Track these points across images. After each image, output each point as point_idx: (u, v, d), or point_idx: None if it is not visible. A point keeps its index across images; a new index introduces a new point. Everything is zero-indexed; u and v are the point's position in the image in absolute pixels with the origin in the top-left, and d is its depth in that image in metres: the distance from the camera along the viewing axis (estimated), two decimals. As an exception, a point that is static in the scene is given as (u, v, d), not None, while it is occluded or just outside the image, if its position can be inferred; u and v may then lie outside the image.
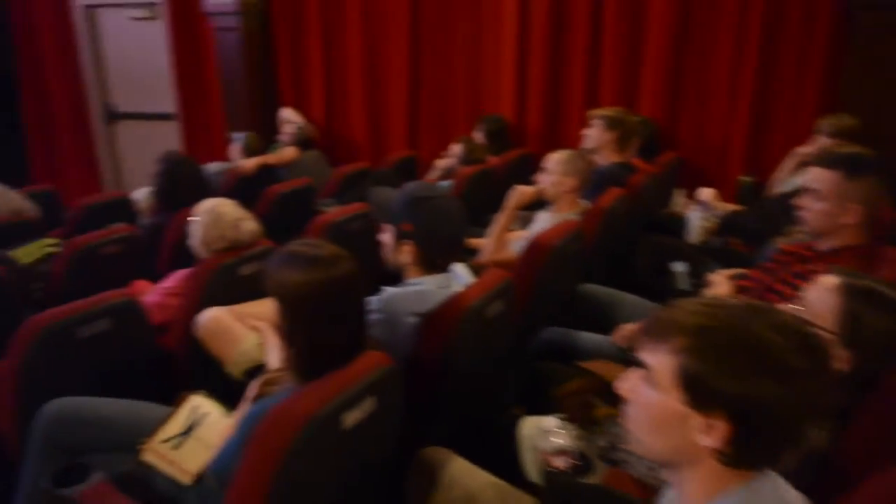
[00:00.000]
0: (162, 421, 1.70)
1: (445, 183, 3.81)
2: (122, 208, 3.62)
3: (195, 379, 2.04)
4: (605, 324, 2.27)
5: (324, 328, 1.41)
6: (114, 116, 6.02)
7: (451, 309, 1.69)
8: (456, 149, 4.03)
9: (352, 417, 1.31)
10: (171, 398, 1.80)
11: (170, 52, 5.48)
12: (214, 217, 2.24)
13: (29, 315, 2.48)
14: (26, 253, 2.89)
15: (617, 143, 3.30)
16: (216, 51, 5.24)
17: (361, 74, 4.97)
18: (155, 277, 2.85)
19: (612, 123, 3.27)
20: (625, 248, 2.86)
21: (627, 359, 1.87)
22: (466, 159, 3.92)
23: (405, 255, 1.82)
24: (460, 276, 1.87)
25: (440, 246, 1.83)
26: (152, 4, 5.55)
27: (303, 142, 4.79)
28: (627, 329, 2.01)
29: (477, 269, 2.01)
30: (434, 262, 1.83)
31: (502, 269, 1.96)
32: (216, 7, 5.07)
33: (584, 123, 3.50)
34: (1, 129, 5.93)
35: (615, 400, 1.67)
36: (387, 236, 1.88)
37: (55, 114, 5.99)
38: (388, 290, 1.79)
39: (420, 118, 4.88)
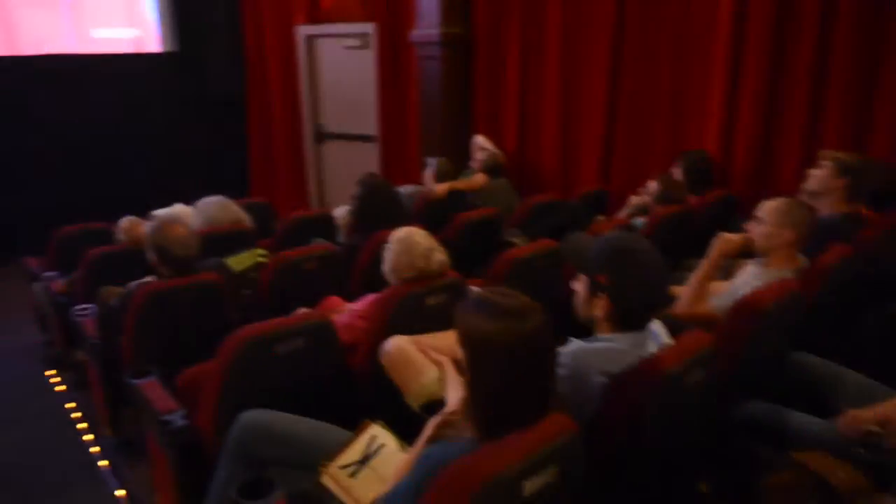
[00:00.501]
0: (342, 445, 1.74)
1: (638, 221, 3.61)
2: (324, 224, 3.86)
3: (376, 403, 2.08)
4: (822, 403, 1.97)
5: (508, 382, 1.34)
6: (322, 137, 6.53)
7: (644, 373, 1.55)
8: (652, 186, 3.80)
9: (532, 485, 1.22)
10: (353, 419, 1.84)
11: (376, 78, 5.83)
12: (406, 246, 2.28)
13: (237, 317, 2.73)
14: (239, 261, 3.16)
15: (846, 191, 2.90)
16: (418, 78, 5.48)
17: (556, 104, 4.91)
18: (347, 294, 2.99)
19: (844, 169, 2.88)
20: (850, 315, 2.48)
21: (855, 455, 1.59)
22: (663, 198, 3.68)
23: (598, 308, 1.71)
24: (657, 335, 1.72)
25: (638, 304, 1.69)
26: (364, 35, 5.95)
27: (493, 169, 4.82)
28: (856, 416, 1.71)
29: (673, 321, 1.84)
30: (629, 320, 1.69)
31: (704, 331, 1.77)
32: (422, 38, 5.30)
33: (801, 164, 3.12)
34: (230, 144, 6.70)
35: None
36: (580, 286, 1.78)
37: (274, 132, 6.64)
38: (577, 344, 1.68)
39: (614, 151, 4.70)
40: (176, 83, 6.38)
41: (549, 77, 4.91)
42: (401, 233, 2.33)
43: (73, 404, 3.40)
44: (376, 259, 2.64)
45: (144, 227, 3.50)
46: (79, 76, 5.83)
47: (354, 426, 1.80)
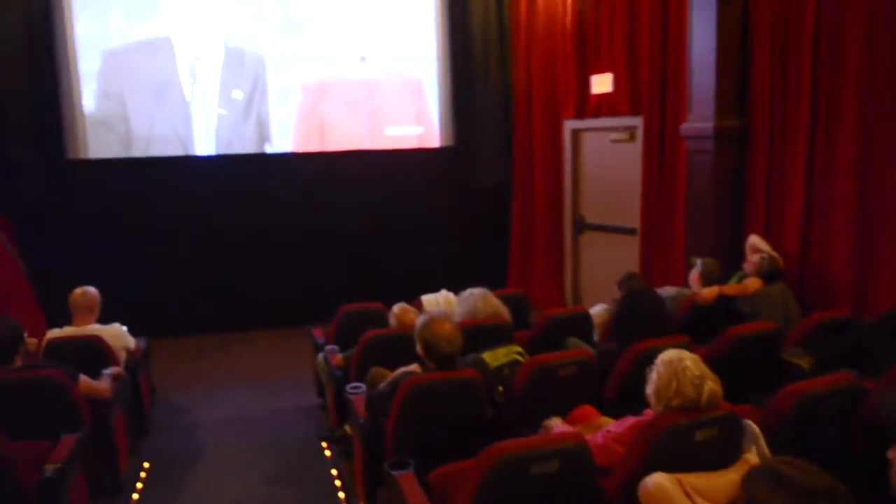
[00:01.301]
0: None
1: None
2: (580, 323, 3.80)
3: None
4: None
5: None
6: (582, 227, 6.55)
7: None
8: None
9: None
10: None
11: (641, 170, 5.73)
12: (675, 371, 2.11)
13: (490, 414, 2.76)
14: (496, 356, 3.22)
15: None
16: (686, 172, 5.26)
17: (851, 204, 4.31)
18: (601, 405, 2.87)
19: None
20: None
21: None
22: None
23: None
24: None
25: None
26: (631, 128, 5.92)
27: (769, 273, 4.35)
28: None
29: None
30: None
31: None
32: (692, 131, 5.10)
33: None
34: (493, 233, 7.06)
35: None
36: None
37: (535, 221, 6.83)
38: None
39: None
40: (449, 174, 6.95)
41: (842, 173, 4.35)
42: (669, 355, 2.17)
43: (335, 472, 3.70)
44: (635, 371, 2.49)
45: (414, 314, 3.79)
46: (368, 168, 6.65)
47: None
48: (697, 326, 3.77)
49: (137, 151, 6.13)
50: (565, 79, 6.43)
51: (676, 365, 2.12)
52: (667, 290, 4.36)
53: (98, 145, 6.05)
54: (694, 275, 4.36)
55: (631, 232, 5.96)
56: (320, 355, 4.21)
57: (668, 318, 3.44)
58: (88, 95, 5.99)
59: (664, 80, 5.49)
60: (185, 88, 6.18)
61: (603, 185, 6.35)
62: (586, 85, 6.25)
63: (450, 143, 6.97)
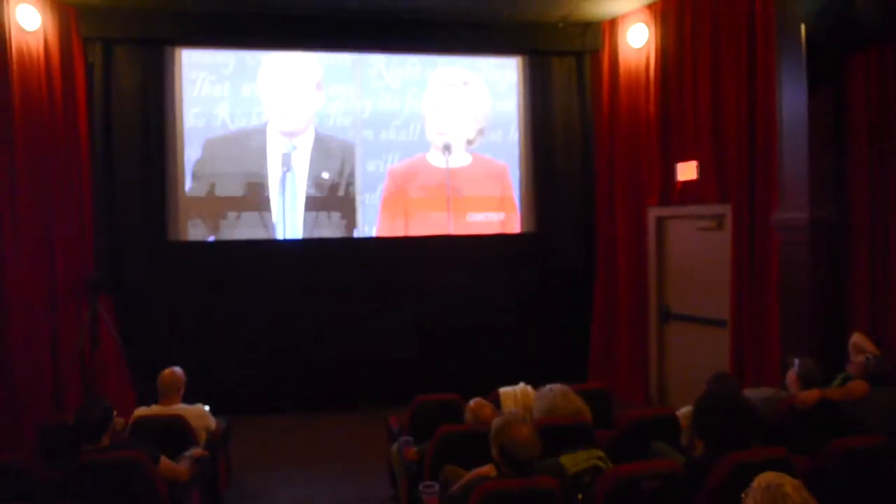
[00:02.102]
0: None
1: None
2: (666, 425, 3.59)
3: None
4: None
5: None
6: (668, 317, 6.31)
7: None
8: None
9: None
10: None
11: (730, 260, 5.51)
12: (773, 499, 1.93)
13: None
14: (574, 461, 3.07)
15: None
16: (779, 263, 5.02)
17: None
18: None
19: None
20: None
21: None
22: None
23: None
24: None
25: None
26: (719, 216, 5.75)
27: (876, 376, 4.00)
28: None
29: None
30: None
31: None
32: (785, 221, 4.90)
33: None
34: (573, 322, 6.90)
35: None
36: None
37: (619, 310, 6.65)
38: None
39: None
40: (531, 260, 6.91)
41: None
42: (768, 479, 1.99)
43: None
44: (728, 487, 2.30)
45: (492, 410, 3.70)
46: (450, 253, 6.73)
47: None
48: (796, 434, 3.49)
49: (230, 234, 6.46)
50: (649, 165, 6.37)
51: (776, 492, 1.94)
52: (762, 392, 4.08)
53: (195, 228, 6.42)
54: (791, 376, 4.06)
55: (720, 324, 5.69)
56: (395, 445, 4.15)
57: (758, 421, 3.19)
58: (189, 181, 6.41)
59: (753, 166, 5.36)
60: (276, 174, 6.52)
61: (690, 274, 6.14)
62: (671, 172, 6.17)
63: (531, 228, 6.97)
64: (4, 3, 5.20)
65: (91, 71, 6.08)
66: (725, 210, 5.65)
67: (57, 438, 3.53)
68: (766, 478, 2.01)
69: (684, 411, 3.84)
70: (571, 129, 6.97)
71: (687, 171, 6.04)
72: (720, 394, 3.11)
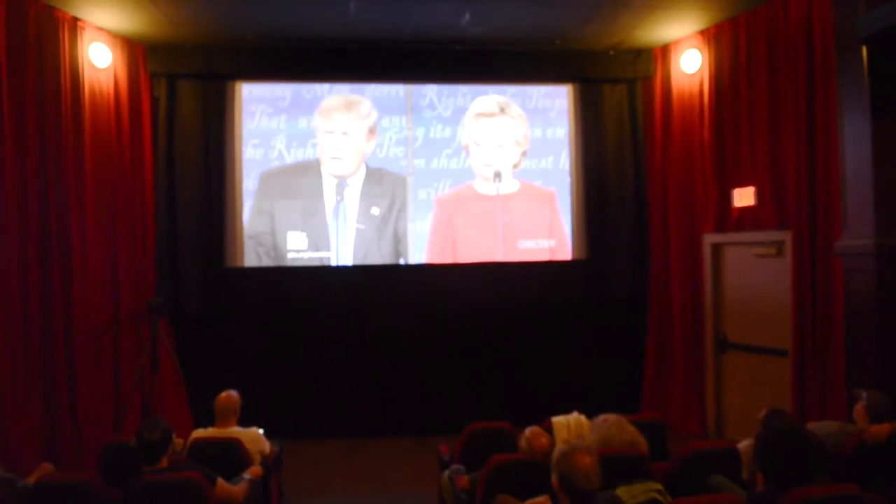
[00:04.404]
0: None
1: None
2: (726, 459, 3.46)
3: None
4: None
5: None
6: (725, 347, 6.12)
7: None
8: None
9: None
10: None
11: (791, 288, 5.34)
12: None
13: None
14: (631, 494, 2.97)
15: None
16: (844, 291, 4.83)
17: None
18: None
19: None
20: None
21: None
22: None
23: None
24: None
25: None
26: (779, 243, 5.58)
27: (952, 411, 3.80)
28: None
29: None
30: None
31: None
32: (849, 248, 4.73)
33: None
34: (625, 351, 6.77)
35: None
36: None
37: (674, 338, 6.49)
38: None
39: None
40: (581, 288, 6.84)
41: None
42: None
43: None
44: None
45: (547, 440, 3.64)
46: (499, 280, 6.72)
47: None
48: (869, 472, 3.31)
49: (283, 261, 6.60)
50: (704, 192, 6.26)
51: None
52: (826, 427, 3.90)
53: (251, 255, 6.59)
54: (859, 409, 3.87)
55: (781, 353, 5.50)
56: (446, 473, 4.11)
57: (823, 458, 3.04)
58: (247, 210, 6.60)
59: (813, 192, 5.21)
60: (329, 204, 6.65)
61: (748, 302, 5.96)
62: (727, 198, 6.05)
63: (582, 255, 6.91)
64: (79, 41, 5.51)
65: (156, 105, 6.38)
66: (785, 236, 5.49)
67: (119, 458, 3.65)
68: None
69: (745, 444, 3.71)
70: (623, 155, 6.91)
71: (744, 196, 5.91)
72: (782, 426, 2.98)
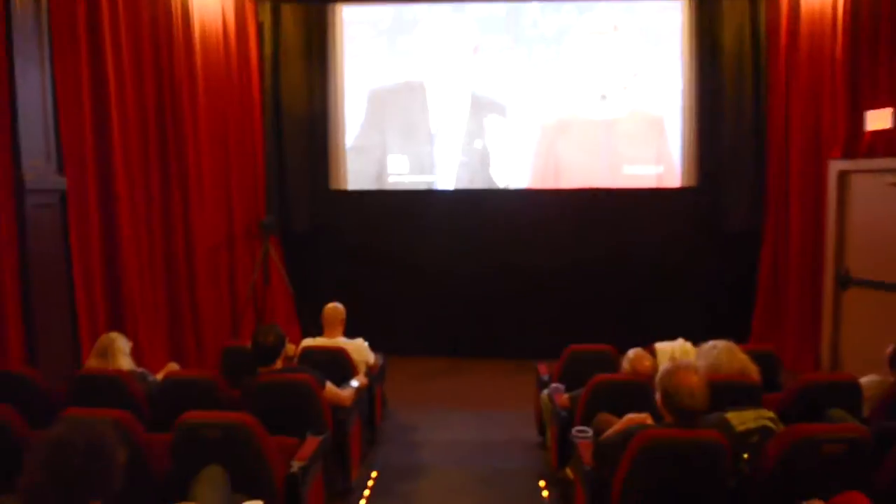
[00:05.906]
0: None
1: None
2: (847, 394, 3.26)
3: None
4: None
5: None
6: (847, 282, 5.72)
7: None
8: None
9: None
10: None
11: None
12: None
13: (732, 485, 2.46)
14: (741, 419, 2.87)
15: None
16: None
17: None
18: (874, 495, 2.41)
19: None
20: None
21: None
22: None
23: None
24: None
25: None
26: (919, 169, 5.08)
27: None
28: None
29: None
30: None
31: None
32: None
33: None
34: (737, 283, 6.47)
35: None
36: None
37: (789, 273, 6.12)
38: None
39: None
40: (691, 217, 6.55)
41: None
42: None
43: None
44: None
45: (651, 362, 3.57)
46: (604, 207, 6.54)
47: None
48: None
49: (387, 184, 6.70)
50: (833, 114, 5.72)
51: None
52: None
53: (355, 177, 6.73)
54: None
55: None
56: (544, 392, 4.14)
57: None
58: (350, 133, 6.70)
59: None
60: (433, 128, 6.62)
61: (877, 235, 5.48)
62: (859, 121, 5.50)
63: (692, 183, 6.57)
64: (187, -28, 5.63)
65: (262, 29, 6.50)
66: (927, 163, 4.97)
67: (238, 360, 3.90)
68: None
69: (868, 379, 3.49)
70: (742, 76, 6.43)
71: (879, 119, 5.35)
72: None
